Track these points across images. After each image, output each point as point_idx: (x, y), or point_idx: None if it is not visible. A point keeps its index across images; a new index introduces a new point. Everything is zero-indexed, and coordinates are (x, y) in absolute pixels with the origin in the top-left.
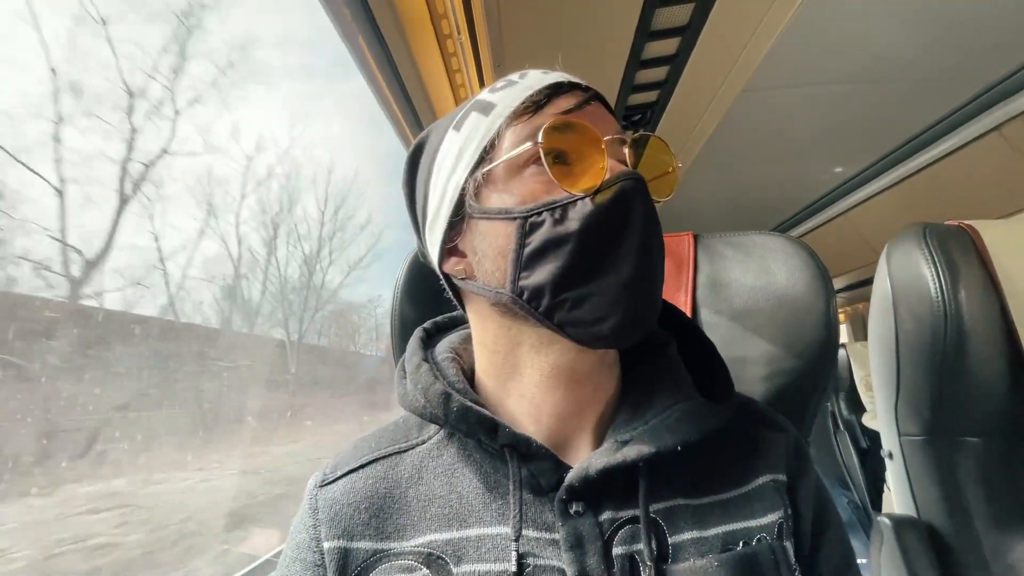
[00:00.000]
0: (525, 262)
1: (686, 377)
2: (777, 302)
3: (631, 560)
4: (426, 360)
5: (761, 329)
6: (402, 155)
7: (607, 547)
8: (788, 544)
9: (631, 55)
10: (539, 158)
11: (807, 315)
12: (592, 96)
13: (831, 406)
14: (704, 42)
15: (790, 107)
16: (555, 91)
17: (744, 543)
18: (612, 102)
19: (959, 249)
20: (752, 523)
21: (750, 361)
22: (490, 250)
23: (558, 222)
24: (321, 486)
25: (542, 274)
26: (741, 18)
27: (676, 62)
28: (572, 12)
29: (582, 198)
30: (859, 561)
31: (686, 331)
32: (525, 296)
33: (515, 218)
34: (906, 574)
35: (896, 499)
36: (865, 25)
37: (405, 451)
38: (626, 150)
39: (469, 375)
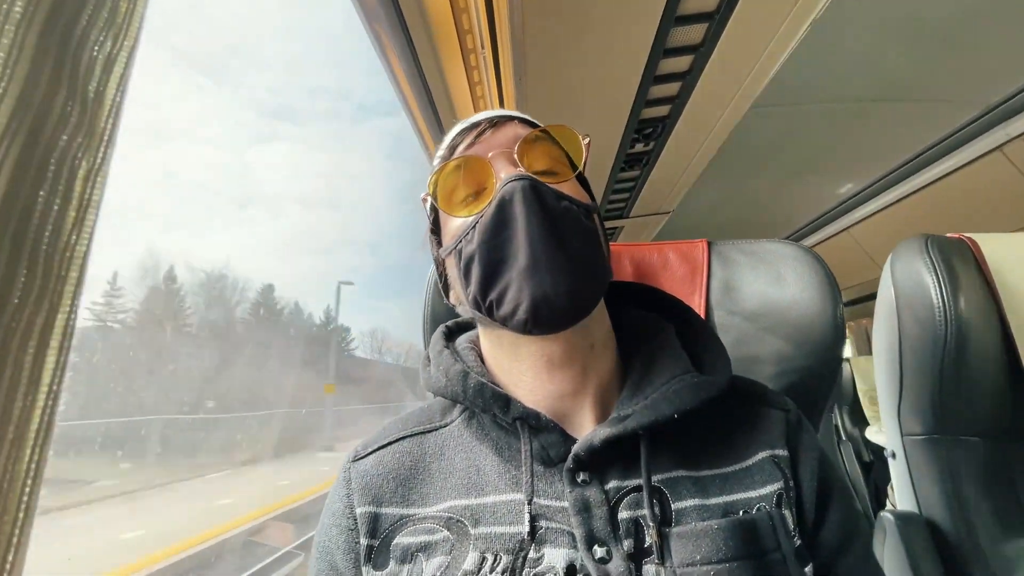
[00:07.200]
0: (465, 280)
1: (683, 356)
2: (787, 305)
3: (635, 523)
4: (447, 347)
5: (772, 330)
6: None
7: (613, 512)
8: (787, 512)
9: (646, 71)
10: (463, 199)
11: (816, 318)
12: (488, 125)
13: (835, 419)
14: (716, 60)
15: (798, 123)
16: (463, 134)
17: (744, 511)
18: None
19: (959, 259)
20: (752, 494)
21: (761, 360)
22: (454, 279)
23: (470, 242)
24: (354, 461)
25: (474, 285)
26: (752, 38)
27: (689, 78)
28: (592, 28)
29: (481, 217)
30: None
31: (685, 319)
32: (477, 306)
33: (453, 250)
34: (908, 567)
35: (899, 496)
36: (872, 46)
37: (430, 431)
38: (516, 153)
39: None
